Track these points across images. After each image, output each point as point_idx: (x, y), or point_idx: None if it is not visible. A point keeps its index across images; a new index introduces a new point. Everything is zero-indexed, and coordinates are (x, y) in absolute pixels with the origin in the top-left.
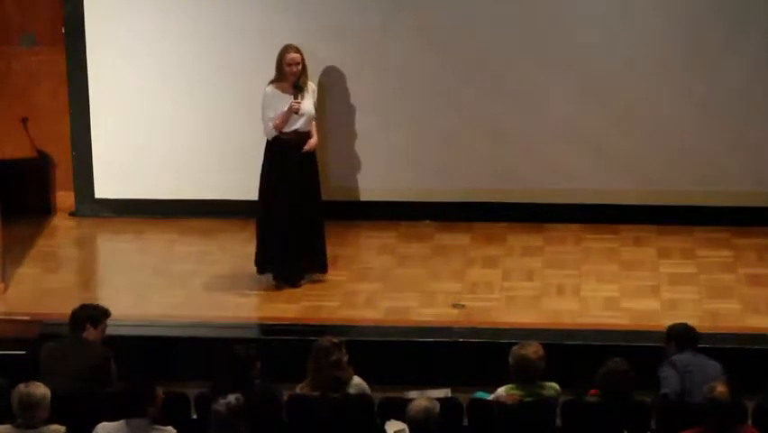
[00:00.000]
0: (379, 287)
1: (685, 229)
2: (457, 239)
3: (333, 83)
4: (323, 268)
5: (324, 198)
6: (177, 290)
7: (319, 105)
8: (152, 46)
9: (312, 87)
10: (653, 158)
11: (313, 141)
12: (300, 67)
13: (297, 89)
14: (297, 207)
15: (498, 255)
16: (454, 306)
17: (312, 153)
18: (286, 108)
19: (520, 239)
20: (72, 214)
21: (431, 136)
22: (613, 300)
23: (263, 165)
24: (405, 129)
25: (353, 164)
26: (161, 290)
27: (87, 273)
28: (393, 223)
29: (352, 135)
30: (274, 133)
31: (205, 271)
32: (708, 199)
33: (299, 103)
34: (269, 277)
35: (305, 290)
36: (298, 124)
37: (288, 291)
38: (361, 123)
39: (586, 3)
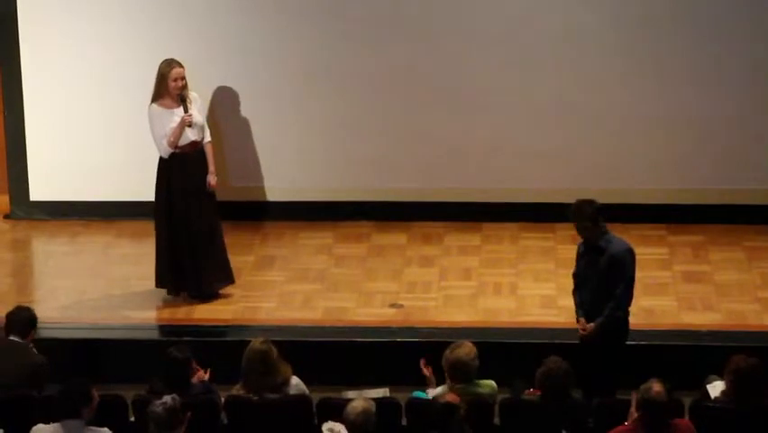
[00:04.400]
0: (317, 287)
1: (621, 227)
2: (394, 239)
3: (261, 86)
4: (230, 279)
5: (260, 199)
6: (112, 292)
7: (243, 108)
8: (87, 49)
9: (194, 95)
10: (588, 156)
11: (212, 178)
12: (184, 81)
13: (183, 102)
14: (198, 219)
15: (435, 255)
16: (392, 305)
17: (207, 166)
18: (176, 124)
19: (457, 238)
20: (7, 217)
21: (367, 136)
22: (550, 299)
23: (159, 181)
24: (341, 129)
25: (288, 165)
26: (97, 292)
27: (23, 277)
28: (330, 223)
29: (286, 137)
30: (170, 151)
31: (140, 274)
32: (643, 197)
33: (191, 115)
34: (150, 292)
35: (242, 291)
36: (193, 135)
37: (224, 293)
38: (297, 124)
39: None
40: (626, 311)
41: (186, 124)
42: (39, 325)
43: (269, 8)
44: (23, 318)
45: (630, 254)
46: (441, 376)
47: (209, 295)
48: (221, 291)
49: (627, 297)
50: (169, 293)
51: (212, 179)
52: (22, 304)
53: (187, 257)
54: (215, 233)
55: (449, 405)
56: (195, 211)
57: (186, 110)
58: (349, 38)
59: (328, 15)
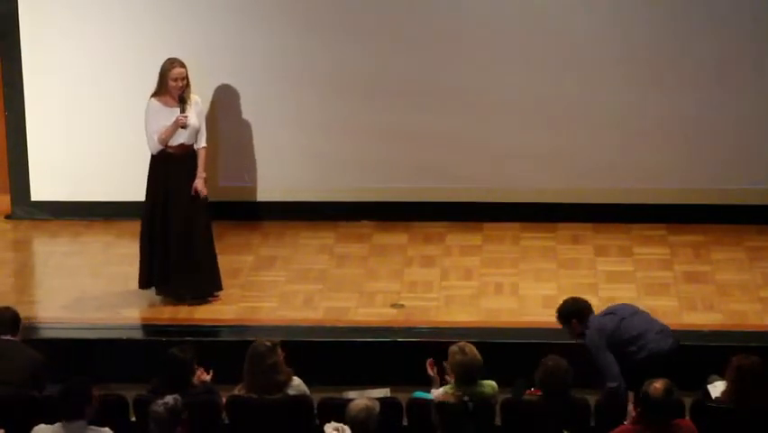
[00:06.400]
0: (318, 287)
1: (622, 227)
2: (395, 239)
3: (262, 86)
4: (217, 286)
5: (261, 198)
6: (113, 292)
7: (243, 108)
8: (88, 48)
9: (195, 98)
10: (588, 156)
11: (200, 183)
12: (185, 81)
13: (182, 102)
14: (184, 221)
15: (437, 255)
16: (393, 305)
17: (194, 169)
18: (170, 122)
19: (458, 238)
20: (8, 217)
21: (368, 136)
22: (551, 299)
23: (148, 180)
24: (342, 129)
25: (289, 165)
26: (98, 292)
27: (23, 276)
28: (331, 223)
29: (287, 136)
30: (159, 148)
31: None
32: (645, 197)
33: (186, 117)
34: (152, 292)
35: (242, 291)
36: (184, 138)
37: (226, 293)
38: (299, 125)
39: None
40: (617, 382)
41: (180, 124)
42: (39, 325)
43: (269, 8)
44: (9, 318)
45: (590, 335)
46: (441, 377)
47: (179, 298)
48: (201, 298)
49: (606, 369)
50: (140, 287)
51: (199, 183)
52: (22, 304)
53: (162, 257)
54: (200, 236)
55: (455, 405)
56: (176, 213)
57: (182, 111)
58: (349, 38)
59: (328, 16)
